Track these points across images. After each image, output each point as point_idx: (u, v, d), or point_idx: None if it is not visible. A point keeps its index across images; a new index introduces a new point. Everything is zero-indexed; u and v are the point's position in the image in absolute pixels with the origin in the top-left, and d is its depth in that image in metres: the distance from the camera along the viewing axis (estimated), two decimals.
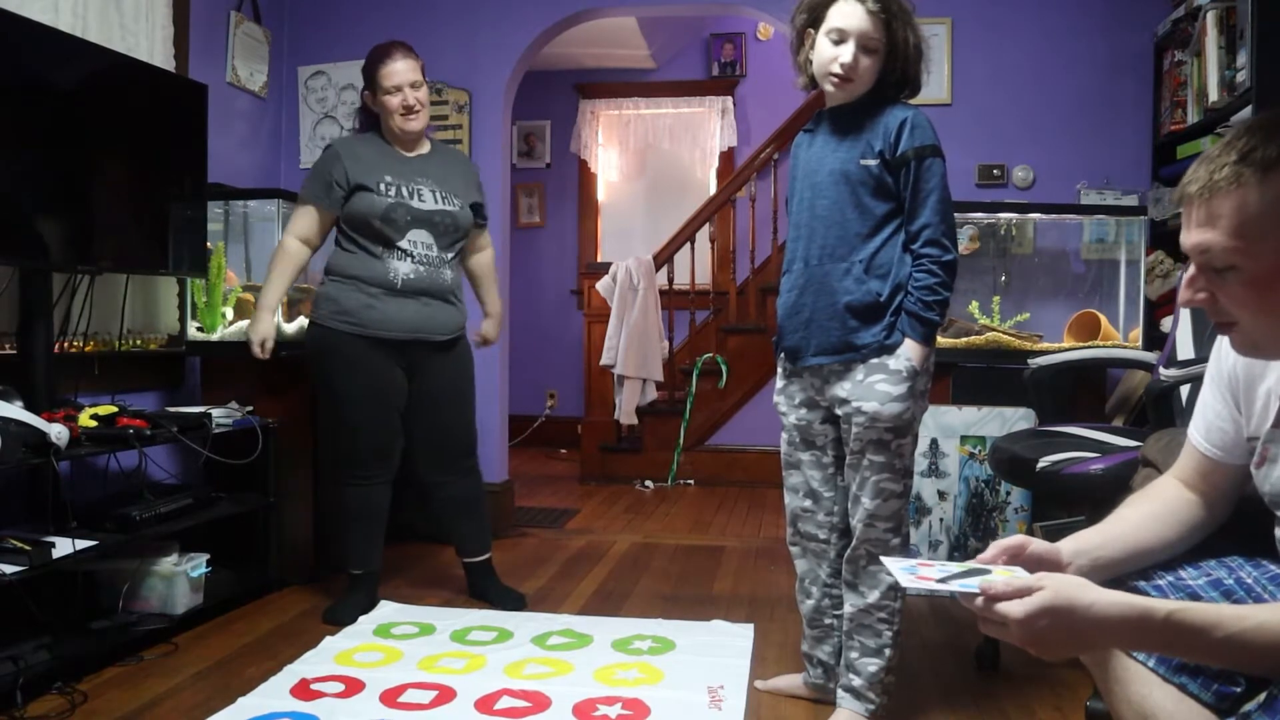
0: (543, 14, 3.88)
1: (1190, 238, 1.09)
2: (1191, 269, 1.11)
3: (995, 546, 1.17)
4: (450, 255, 2.78)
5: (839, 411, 1.96)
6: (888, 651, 1.97)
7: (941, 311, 1.90)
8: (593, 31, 5.16)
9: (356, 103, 3.93)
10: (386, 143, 2.78)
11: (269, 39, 3.85)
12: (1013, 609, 1.01)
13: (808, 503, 2.08)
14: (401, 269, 2.67)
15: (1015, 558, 1.16)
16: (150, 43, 3.05)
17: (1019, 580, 1.04)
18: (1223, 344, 1.26)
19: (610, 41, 5.99)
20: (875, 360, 1.91)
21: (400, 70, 2.70)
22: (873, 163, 1.91)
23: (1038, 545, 1.17)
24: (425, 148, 2.83)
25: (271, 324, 2.72)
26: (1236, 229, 1.04)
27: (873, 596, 1.97)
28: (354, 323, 2.65)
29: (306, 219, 2.73)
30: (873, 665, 1.97)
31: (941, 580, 1.09)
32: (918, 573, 1.13)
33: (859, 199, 1.92)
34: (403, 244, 2.68)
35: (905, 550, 2.00)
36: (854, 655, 2.00)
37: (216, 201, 3.15)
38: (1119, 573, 1.20)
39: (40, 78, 2.36)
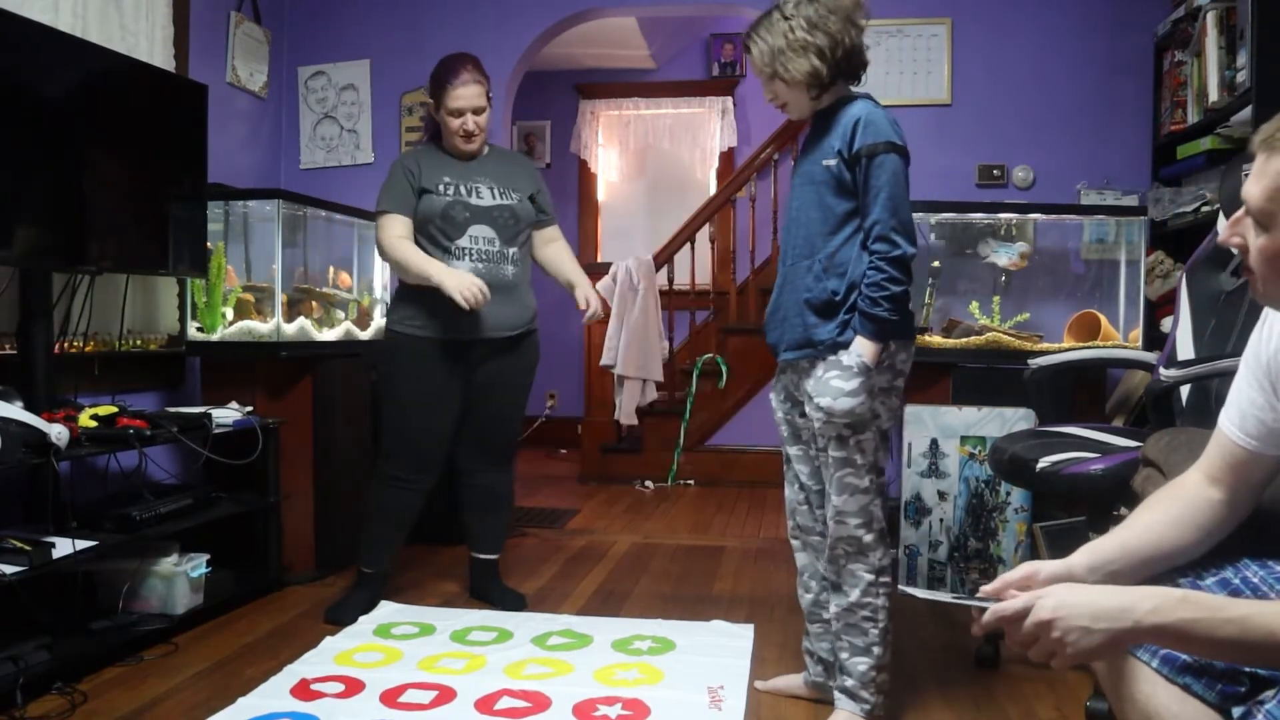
0: (543, 14, 3.88)
1: (1250, 184, 1.12)
2: (1239, 212, 1.13)
3: (1001, 580, 1.17)
4: (513, 250, 2.78)
5: (806, 408, 2.00)
6: (876, 650, 1.98)
7: (892, 307, 1.88)
8: (593, 31, 5.16)
9: (357, 103, 3.96)
10: (444, 151, 2.79)
11: (269, 39, 3.85)
12: (1028, 629, 1.03)
13: (801, 495, 2.12)
14: (462, 269, 2.67)
15: (1027, 588, 1.15)
16: (150, 43, 3.06)
17: (1018, 599, 1.06)
18: (1262, 331, 1.25)
19: (610, 41, 5.99)
20: (831, 357, 1.94)
21: (465, 95, 2.69)
22: (832, 162, 1.94)
23: (1048, 569, 1.17)
24: (484, 151, 2.83)
25: (457, 273, 2.60)
26: (1272, 193, 1.06)
27: (854, 595, 1.98)
28: (420, 326, 2.69)
29: (399, 225, 2.68)
30: (862, 664, 1.98)
31: (955, 598, 1.11)
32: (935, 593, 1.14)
33: (822, 199, 1.97)
34: (462, 241, 2.69)
35: (883, 545, 1.99)
36: (845, 655, 2.01)
37: (216, 201, 3.15)
38: (1136, 581, 1.19)
39: (40, 78, 2.36)
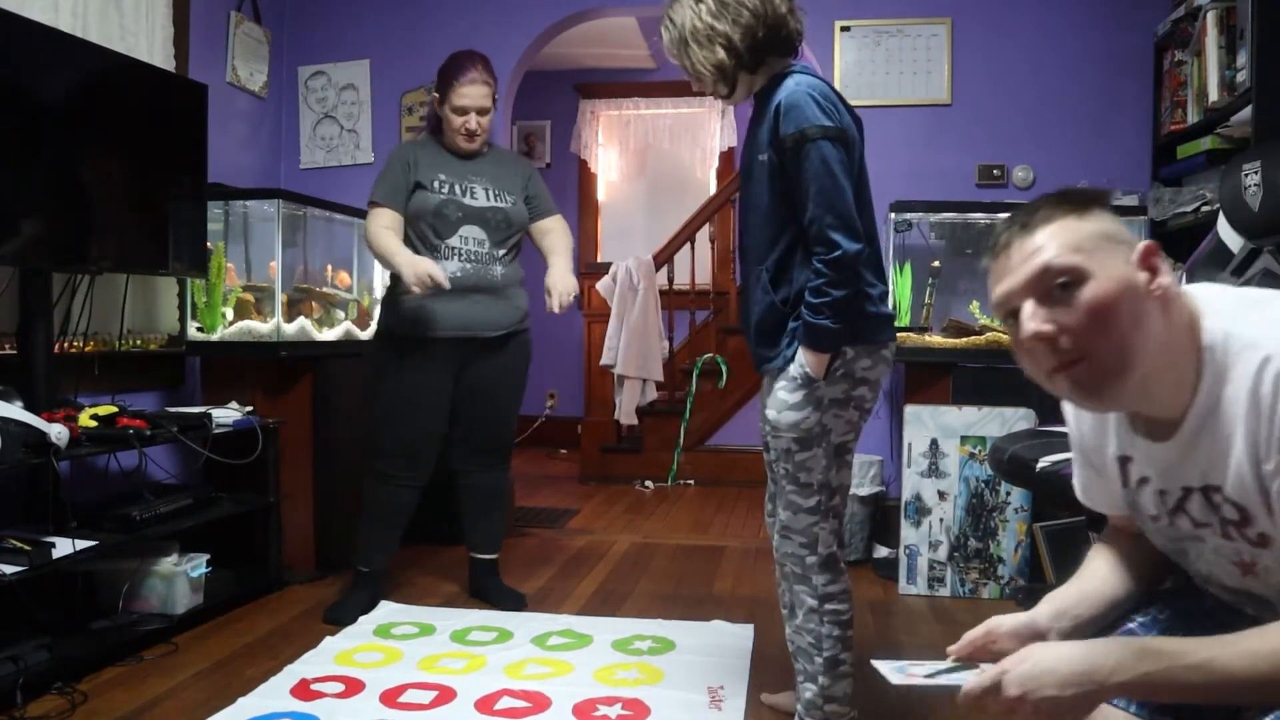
0: (543, 14, 3.88)
1: (1023, 269, 1.06)
2: (1027, 306, 1.06)
3: (965, 641, 1.18)
4: (502, 252, 2.78)
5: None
6: (821, 679, 1.87)
7: (833, 314, 1.70)
8: (593, 31, 5.17)
9: (357, 103, 3.96)
10: (443, 146, 2.79)
11: (269, 39, 3.85)
12: (1001, 703, 1.03)
13: (770, 506, 2.03)
14: (449, 268, 2.67)
15: (995, 643, 1.17)
16: (150, 43, 3.05)
17: (986, 675, 1.06)
18: (1068, 415, 1.27)
19: (610, 41, 5.99)
20: (783, 369, 1.81)
21: (471, 95, 2.70)
22: (764, 156, 1.78)
23: (1010, 623, 1.18)
24: (484, 150, 2.83)
25: (415, 257, 2.58)
26: (1071, 244, 1.04)
27: (799, 618, 1.90)
28: (406, 323, 2.69)
29: (386, 216, 2.68)
30: (808, 691, 1.89)
31: (928, 675, 1.12)
32: (907, 670, 1.14)
33: (763, 197, 1.80)
34: (452, 240, 2.69)
35: (830, 572, 1.87)
36: (800, 679, 1.93)
37: (216, 201, 3.15)
38: (1101, 625, 1.20)
39: (40, 78, 2.36)
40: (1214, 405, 1.04)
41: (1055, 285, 1.03)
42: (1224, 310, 1.05)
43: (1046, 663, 1.02)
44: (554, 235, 2.90)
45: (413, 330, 2.69)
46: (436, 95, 2.77)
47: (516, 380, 2.88)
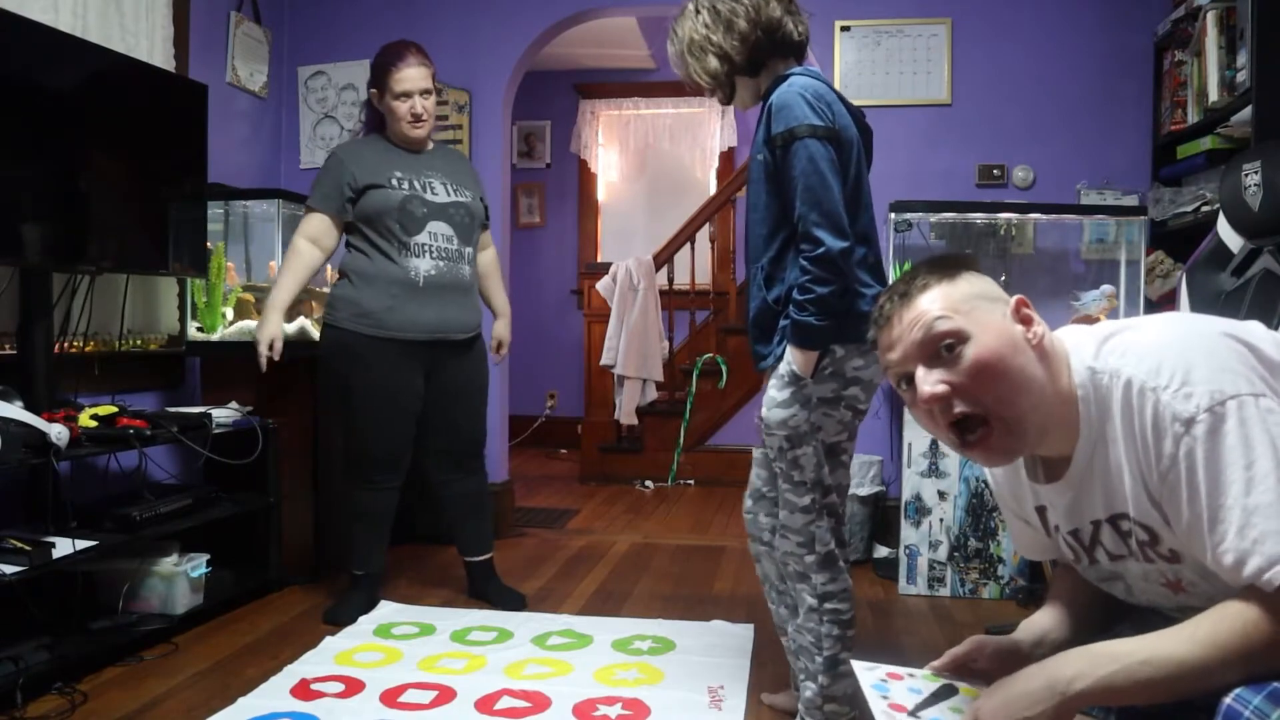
0: (543, 14, 3.88)
1: (910, 336, 1.12)
2: (920, 370, 1.12)
3: (948, 656, 1.20)
4: (469, 250, 2.76)
5: None
6: (821, 679, 1.88)
7: (817, 311, 1.73)
8: (593, 31, 5.17)
9: (357, 103, 3.95)
10: (390, 143, 2.77)
11: (269, 39, 3.85)
12: None
13: (748, 503, 2.05)
14: (421, 266, 2.66)
15: (976, 661, 1.19)
16: (150, 43, 3.06)
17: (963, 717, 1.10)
18: (989, 473, 1.32)
19: (610, 41, 5.99)
20: (775, 367, 1.84)
21: (411, 77, 2.67)
22: (760, 156, 1.82)
23: (994, 644, 1.20)
24: (428, 146, 2.82)
25: (279, 324, 2.67)
26: (949, 306, 1.11)
27: (800, 617, 1.91)
28: (374, 324, 2.63)
29: (315, 223, 2.68)
30: (809, 690, 1.90)
31: (912, 713, 1.14)
32: (890, 696, 1.16)
33: (761, 197, 1.85)
34: (421, 238, 2.65)
35: (829, 571, 1.86)
36: (801, 677, 1.94)
37: (216, 201, 3.16)
38: (1081, 642, 1.21)
39: (40, 78, 2.36)
40: (1098, 437, 1.10)
41: (942, 347, 1.11)
42: (1084, 349, 1.12)
43: (1013, 688, 1.05)
44: (492, 263, 2.98)
45: (383, 331, 2.64)
46: (374, 91, 2.74)
47: (484, 382, 2.89)
